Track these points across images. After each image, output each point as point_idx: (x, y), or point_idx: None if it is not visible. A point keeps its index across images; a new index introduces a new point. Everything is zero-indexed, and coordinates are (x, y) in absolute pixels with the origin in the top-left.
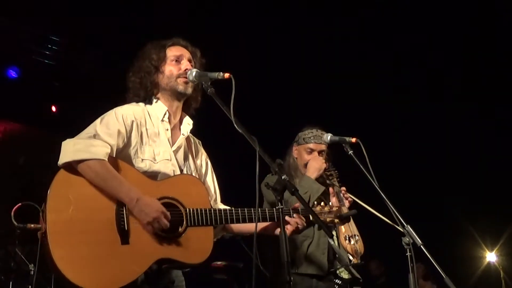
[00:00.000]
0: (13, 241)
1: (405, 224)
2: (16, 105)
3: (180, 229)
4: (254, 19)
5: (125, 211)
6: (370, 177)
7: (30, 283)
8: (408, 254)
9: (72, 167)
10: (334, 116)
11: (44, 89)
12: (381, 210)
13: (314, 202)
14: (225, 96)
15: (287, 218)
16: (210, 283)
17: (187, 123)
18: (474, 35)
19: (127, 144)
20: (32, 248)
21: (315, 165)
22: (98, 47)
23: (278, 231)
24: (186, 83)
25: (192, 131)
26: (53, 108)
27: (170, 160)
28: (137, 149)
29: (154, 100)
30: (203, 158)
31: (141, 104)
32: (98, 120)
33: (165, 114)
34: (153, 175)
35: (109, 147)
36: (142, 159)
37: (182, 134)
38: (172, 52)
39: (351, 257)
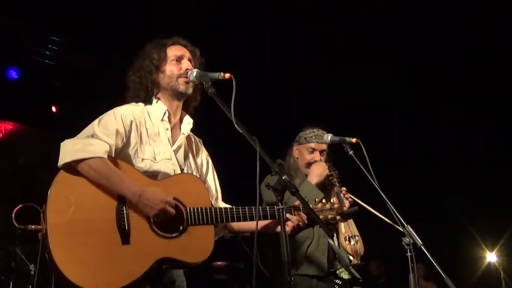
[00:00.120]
0: (13, 241)
1: (405, 224)
2: (16, 105)
3: (181, 228)
4: (254, 19)
5: (126, 211)
6: (370, 177)
7: (30, 283)
8: (408, 254)
9: (72, 167)
10: (334, 116)
11: (44, 89)
12: (382, 210)
13: (315, 200)
14: (225, 96)
15: (288, 215)
16: (211, 283)
17: (187, 122)
18: (474, 35)
19: (127, 144)
20: (32, 248)
21: (317, 171)
22: (98, 47)
23: (279, 228)
24: (187, 83)
25: (192, 131)
26: (53, 108)
27: (171, 159)
28: (136, 149)
29: (155, 100)
30: (203, 157)
31: (141, 104)
32: (96, 121)
33: (164, 113)
34: (153, 175)
35: (108, 145)
36: (142, 159)
37: (182, 133)
38: (173, 51)
39: (351, 258)
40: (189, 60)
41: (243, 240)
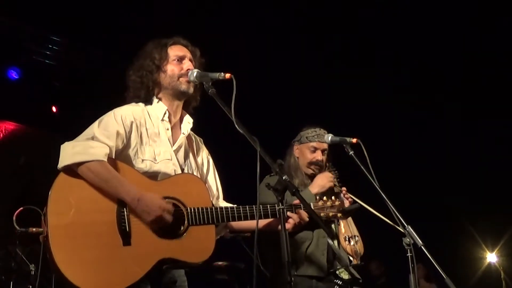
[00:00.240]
0: (13, 241)
1: (405, 225)
2: (16, 105)
3: (181, 229)
4: (254, 19)
5: (126, 212)
6: (370, 178)
7: (30, 283)
8: (409, 254)
9: (72, 170)
10: (334, 116)
11: (44, 89)
12: (382, 211)
13: (316, 197)
14: (226, 96)
15: (289, 213)
16: (211, 283)
17: (187, 122)
18: (474, 35)
19: (127, 145)
20: (32, 248)
21: (320, 182)
22: (98, 47)
23: (280, 227)
24: (188, 82)
25: (193, 131)
26: (53, 108)
27: (171, 159)
28: (137, 150)
29: (156, 100)
30: (204, 156)
31: (141, 104)
32: (96, 122)
33: (165, 113)
34: (153, 176)
35: (108, 148)
36: (143, 160)
37: (183, 133)
38: (174, 51)
39: (351, 258)
40: (190, 60)
41: (243, 241)
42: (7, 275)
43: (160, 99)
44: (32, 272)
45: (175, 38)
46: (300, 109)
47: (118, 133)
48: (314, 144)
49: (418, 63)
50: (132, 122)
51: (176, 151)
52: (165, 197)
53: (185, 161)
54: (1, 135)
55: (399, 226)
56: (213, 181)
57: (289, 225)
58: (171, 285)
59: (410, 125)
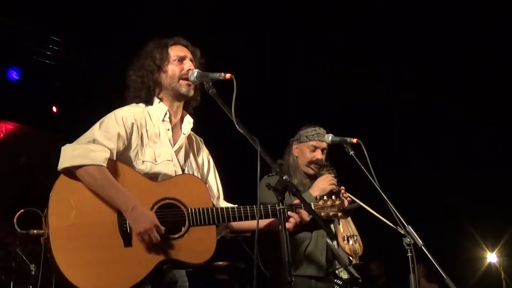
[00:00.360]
0: (14, 241)
1: (406, 225)
2: (16, 105)
3: (182, 230)
4: (254, 19)
5: None
6: (371, 178)
7: (31, 283)
8: (409, 254)
9: (72, 172)
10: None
11: (44, 89)
12: (382, 211)
13: (317, 197)
14: (226, 96)
15: (289, 213)
16: (212, 283)
17: (188, 122)
18: (474, 35)
19: (128, 146)
20: (33, 248)
21: (321, 185)
22: (98, 47)
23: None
24: (189, 85)
25: (193, 131)
26: (54, 108)
27: (171, 160)
28: (137, 151)
29: (157, 101)
30: (205, 156)
31: (141, 105)
32: (97, 124)
33: (165, 114)
34: (154, 177)
35: (109, 151)
36: (143, 161)
37: (183, 133)
38: (175, 51)
39: (350, 257)
40: (191, 60)
41: (244, 241)
42: (7, 275)
43: (161, 100)
44: (33, 272)
45: (176, 38)
46: (300, 109)
47: (119, 135)
48: (314, 143)
49: (418, 63)
50: (133, 124)
51: (177, 152)
52: (166, 198)
53: (185, 161)
54: (1, 135)
55: (399, 226)
56: (214, 181)
57: (289, 225)
58: (172, 285)
59: (410, 125)
